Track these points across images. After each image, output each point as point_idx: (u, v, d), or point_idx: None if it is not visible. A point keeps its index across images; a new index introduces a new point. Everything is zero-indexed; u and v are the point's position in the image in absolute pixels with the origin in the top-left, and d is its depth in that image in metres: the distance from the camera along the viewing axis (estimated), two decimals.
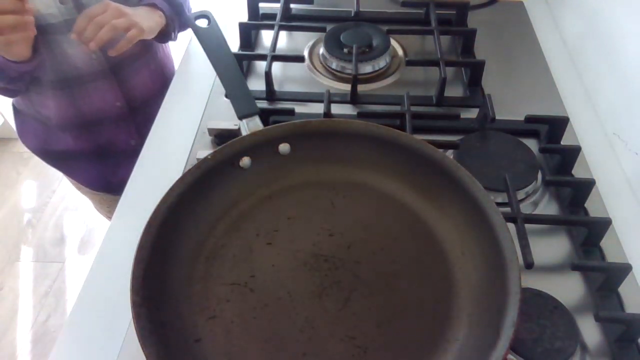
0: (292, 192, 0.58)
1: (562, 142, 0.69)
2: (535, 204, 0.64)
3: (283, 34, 0.90)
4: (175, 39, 0.88)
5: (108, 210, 1.11)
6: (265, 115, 0.68)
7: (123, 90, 0.87)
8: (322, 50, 0.84)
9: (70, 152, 0.93)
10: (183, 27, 0.90)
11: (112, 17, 0.70)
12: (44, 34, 0.73)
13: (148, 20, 0.77)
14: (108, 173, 0.98)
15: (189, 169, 0.54)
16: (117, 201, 1.10)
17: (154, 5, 0.81)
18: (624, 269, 0.53)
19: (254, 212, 0.57)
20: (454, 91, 0.79)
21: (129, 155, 0.93)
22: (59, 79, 0.80)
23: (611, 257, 0.58)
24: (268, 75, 0.76)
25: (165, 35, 0.84)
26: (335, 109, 0.74)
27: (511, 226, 0.52)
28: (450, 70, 0.79)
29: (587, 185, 0.61)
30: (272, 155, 0.58)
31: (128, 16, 0.72)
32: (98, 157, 0.94)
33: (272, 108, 0.75)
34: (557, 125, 0.69)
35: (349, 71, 0.79)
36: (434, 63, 0.77)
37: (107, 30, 0.69)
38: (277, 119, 0.69)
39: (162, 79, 0.94)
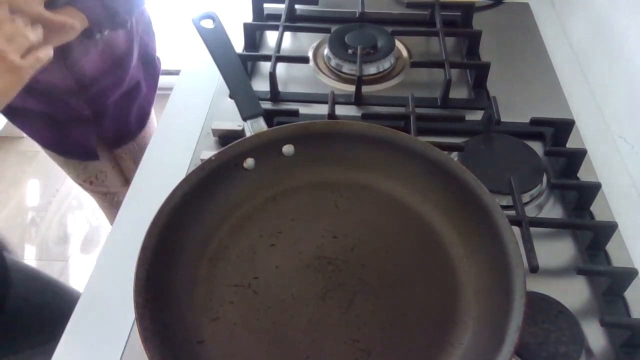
0: (296, 193, 0.58)
1: (567, 145, 0.68)
2: (541, 207, 0.64)
3: (287, 35, 0.90)
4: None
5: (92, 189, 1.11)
6: (269, 116, 0.68)
7: (71, 71, 0.84)
8: (326, 51, 0.83)
9: (20, 110, 0.91)
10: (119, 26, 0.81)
11: None
12: None
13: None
14: (62, 136, 0.97)
15: (193, 170, 0.54)
16: (90, 168, 1.05)
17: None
18: (630, 274, 0.52)
19: (257, 213, 0.56)
20: (459, 93, 0.79)
21: (82, 122, 0.94)
22: None
23: (617, 261, 0.57)
24: (272, 76, 0.76)
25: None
26: (340, 110, 0.73)
27: (516, 229, 0.52)
28: (455, 72, 0.79)
29: (592, 189, 0.61)
30: (276, 156, 0.58)
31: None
32: (50, 118, 0.93)
33: (277, 109, 0.75)
34: (563, 128, 0.68)
35: (353, 72, 0.79)
36: (439, 65, 0.77)
37: None
38: (281, 120, 0.69)
39: (112, 57, 0.91)
